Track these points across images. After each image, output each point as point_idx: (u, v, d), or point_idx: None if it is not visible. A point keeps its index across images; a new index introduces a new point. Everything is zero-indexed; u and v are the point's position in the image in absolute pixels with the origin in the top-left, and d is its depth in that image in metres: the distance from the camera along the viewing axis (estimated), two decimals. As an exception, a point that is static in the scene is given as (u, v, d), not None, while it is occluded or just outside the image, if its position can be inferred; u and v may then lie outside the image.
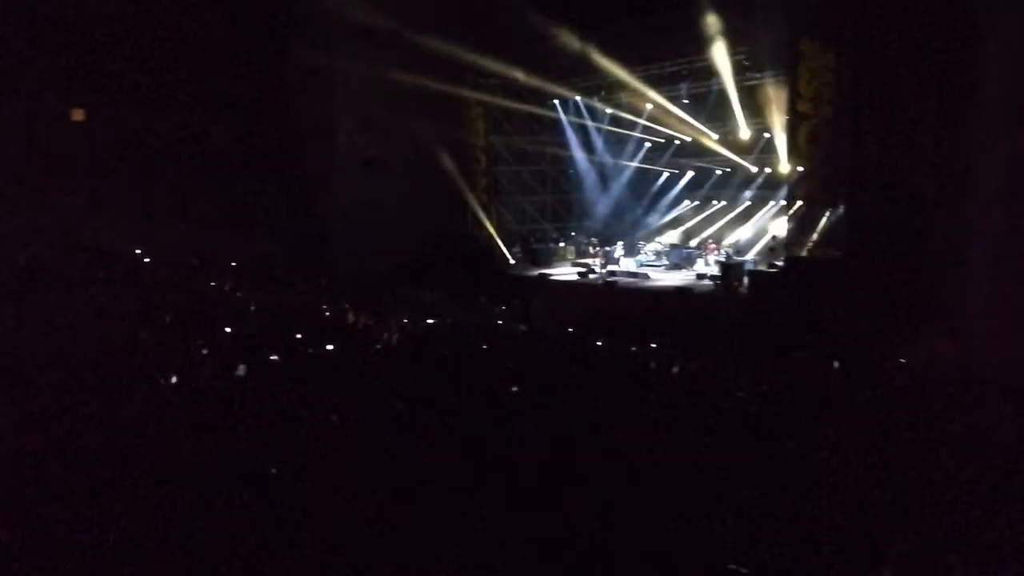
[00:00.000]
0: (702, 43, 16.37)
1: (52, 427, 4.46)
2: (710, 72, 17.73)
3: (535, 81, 19.52)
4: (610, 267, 19.12)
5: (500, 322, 13.88)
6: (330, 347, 8.22)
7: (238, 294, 11.79)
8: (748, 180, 20.82)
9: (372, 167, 18.57)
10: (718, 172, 21.66)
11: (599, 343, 11.67)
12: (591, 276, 18.79)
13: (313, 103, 18.27)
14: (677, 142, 21.80)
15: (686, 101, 19.91)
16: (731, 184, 21.45)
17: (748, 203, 20.95)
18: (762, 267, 17.11)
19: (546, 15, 17.33)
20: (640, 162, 22.77)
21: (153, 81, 16.12)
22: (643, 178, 22.99)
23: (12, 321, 7.09)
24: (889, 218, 13.01)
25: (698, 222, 22.18)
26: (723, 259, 18.49)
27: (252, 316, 10.04)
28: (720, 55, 16.63)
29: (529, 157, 22.65)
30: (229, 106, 17.17)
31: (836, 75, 14.53)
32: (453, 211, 20.15)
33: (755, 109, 18.49)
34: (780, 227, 18.15)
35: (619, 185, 22.90)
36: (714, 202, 22.05)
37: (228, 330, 8.40)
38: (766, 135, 19.08)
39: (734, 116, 18.79)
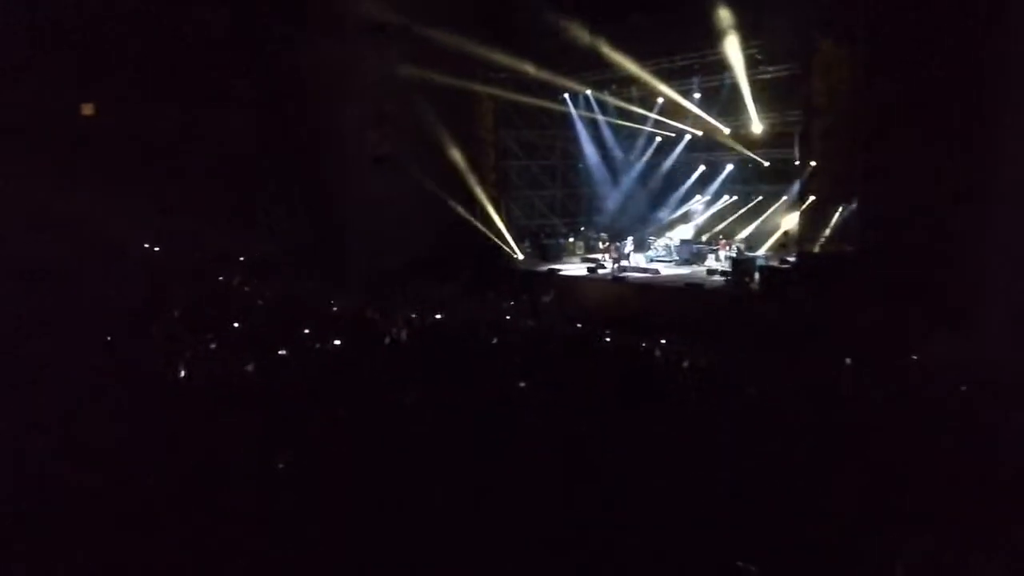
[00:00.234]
0: (714, 37, 16.21)
1: (60, 420, 4.47)
2: (722, 66, 17.56)
3: (546, 75, 19.39)
4: (621, 263, 19.03)
5: (509, 317, 13.85)
6: (338, 342, 8.22)
7: (247, 289, 11.82)
8: (760, 175, 20.64)
9: (383, 163, 18.55)
10: (729, 166, 21.46)
11: (608, 339, 11.62)
12: (600, 272, 18.70)
13: (325, 99, 18.25)
14: (688, 136, 21.64)
15: (698, 95, 19.74)
16: (743, 179, 21.25)
17: (760, 198, 20.75)
18: (773, 263, 16.97)
19: (558, 9, 17.23)
20: (651, 156, 22.61)
21: (167, 78, 16.17)
22: (653, 173, 22.82)
23: (24, 314, 7.13)
24: (903, 214, 12.85)
25: (709, 217, 22.00)
26: (734, 255, 18.35)
27: (261, 311, 10.07)
28: (732, 49, 16.47)
29: (539, 151, 22.52)
30: (242, 102, 17.20)
31: (850, 69, 14.36)
32: (463, 206, 20.09)
33: (767, 103, 18.34)
34: (792, 222, 17.99)
35: (629, 180, 22.75)
36: (725, 197, 21.86)
37: (236, 325, 8.43)
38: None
39: (747, 110, 18.63)
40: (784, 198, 19.59)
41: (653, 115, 21.07)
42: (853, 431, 5.97)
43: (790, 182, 18.40)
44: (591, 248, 21.55)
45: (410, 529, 3.70)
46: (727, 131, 20.14)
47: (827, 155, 15.28)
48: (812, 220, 15.95)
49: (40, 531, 3.39)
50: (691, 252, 19.59)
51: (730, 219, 21.21)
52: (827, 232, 15.46)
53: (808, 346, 10.91)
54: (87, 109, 15.82)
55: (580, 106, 21.52)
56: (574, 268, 19.52)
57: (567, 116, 21.70)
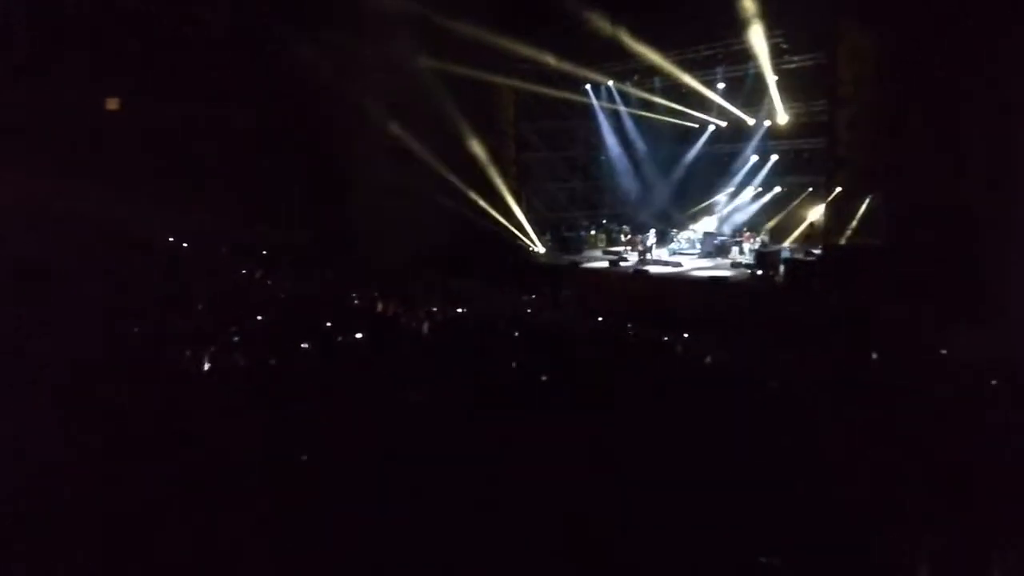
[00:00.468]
0: (738, 26, 15.99)
1: (80, 414, 4.54)
2: (746, 56, 17.34)
3: (567, 66, 19.26)
4: (644, 255, 18.91)
5: (529, 311, 13.83)
6: (359, 335, 8.27)
7: (268, 282, 11.93)
8: (785, 166, 20.37)
9: (401, 154, 18.57)
10: (754, 157, 21.20)
11: (630, 332, 11.56)
12: (622, 264, 18.61)
13: (342, 90, 18.29)
14: (712, 127, 21.41)
15: (722, 85, 19.52)
16: (767, 171, 20.98)
17: (785, 190, 20.50)
18: (798, 255, 16.77)
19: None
20: (674, 147, 22.41)
21: (183, 73, 16.31)
22: (675, 165, 22.62)
23: (46, 309, 7.25)
24: (932, 205, 12.62)
25: (732, 209, 21.77)
26: (758, 247, 18.15)
27: (282, 304, 10.15)
28: (757, 38, 16.25)
29: (560, 143, 22.41)
30: (257, 95, 17.30)
31: (877, 57, 14.09)
32: (483, 198, 20.07)
33: (792, 93, 18.09)
34: (817, 214, 17.75)
35: (652, 172, 22.56)
36: (749, 189, 21.61)
37: (259, 318, 8.51)
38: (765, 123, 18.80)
39: (771, 100, 18.38)
40: (810, 189, 19.36)
41: (676, 106, 20.88)
42: (877, 426, 5.89)
43: (816, 173, 18.16)
44: (613, 241, 21.45)
45: (427, 524, 3.71)
46: (752, 122, 19.91)
47: (853, 146, 15.03)
48: (838, 212, 15.71)
49: (41, 531, 3.43)
50: (714, 245, 19.42)
51: (754, 210, 20.99)
52: (853, 224, 15.23)
53: (833, 340, 10.77)
54: (112, 104, 16.02)
55: (602, 97, 21.37)
56: (595, 261, 19.44)
57: (589, 107, 21.56)
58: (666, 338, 11.28)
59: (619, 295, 16.30)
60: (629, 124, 21.96)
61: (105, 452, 4.12)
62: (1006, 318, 10.40)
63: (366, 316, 10.31)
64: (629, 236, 20.45)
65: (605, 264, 18.87)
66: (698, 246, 19.84)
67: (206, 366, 6.71)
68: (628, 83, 20.85)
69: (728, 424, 5.88)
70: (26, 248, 9.75)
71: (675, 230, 21.02)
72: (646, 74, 19.99)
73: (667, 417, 5.97)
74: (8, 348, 5.84)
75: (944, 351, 9.93)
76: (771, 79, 17.64)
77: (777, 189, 20.48)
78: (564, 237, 21.28)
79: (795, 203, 19.94)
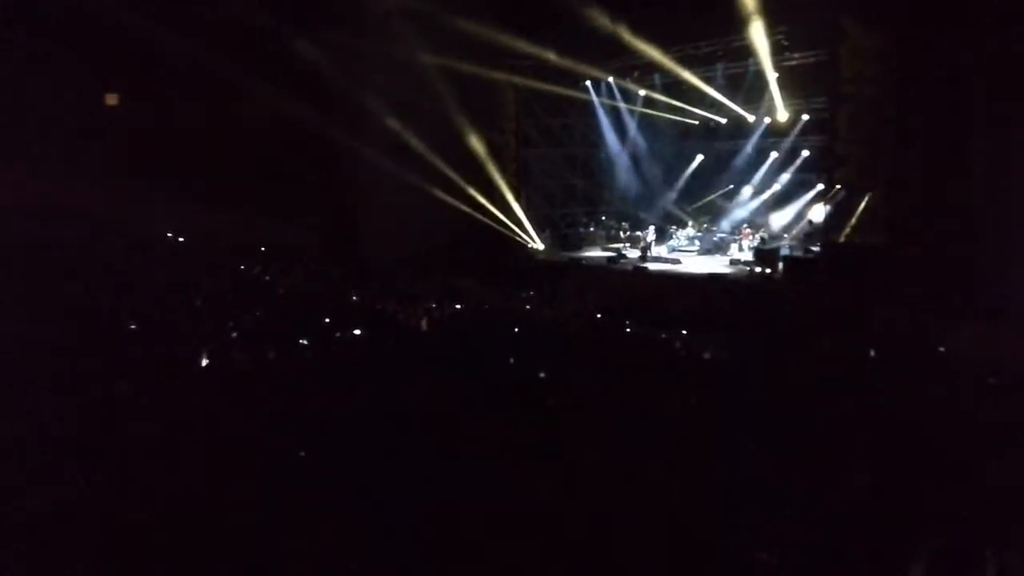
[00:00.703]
0: (739, 22, 15.94)
1: (77, 409, 4.54)
2: (747, 52, 17.29)
3: (567, 62, 19.21)
4: (643, 252, 18.89)
5: (528, 307, 13.82)
6: (357, 332, 8.26)
7: (268, 279, 11.92)
8: (784, 163, 20.33)
9: (403, 151, 18.53)
10: (752, 154, 21.15)
11: (628, 329, 11.55)
12: (622, 261, 18.60)
13: (343, 87, 18.25)
14: (712, 124, 21.36)
15: (722, 82, 19.46)
16: (766, 167, 20.93)
17: (784, 187, 20.46)
18: (798, 253, 16.75)
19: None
20: (674, 144, 22.37)
21: (184, 70, 16.26)
22: (676, 161, 22.58)
23: (49, 303, 7.25)
24: (930, 204, 12.61)
25: (731, 206, 21.73)
26: (757, 244, 18.14)
27: (282, 300, 10.14)
28: (757, 35, 16.19)
29: (560, 140, 22.37)
30: (259, 92, 17.25)
31: (880, 55, 14.05)
32: (483, 195, 20.03)
33: (793, 90, 18.04)
34: (817, 212, 17.73)
35: (651, 169, 22.52)
36: (748, 186, 21.58)
37: (258, 314, 8.50)
38: (804, 116, 18.59)
39: (772, 97, 18.33)
40: (809, 187, 19.30)
41: (676, 102, 20.82)
42: (875, 424, 5.90)
43: (817, 171, 18.13)
44: (612, 238, 21.42)
45: (428, 519, 3.71)
46: (752, 118, 19.86)
47: (853, 143, 15.00)
48: (838, 209, 15.69)
49: (41, 530, 3.43)
50: (713, 242, 19.40)
51: (753, 208, 20.95)
52: (853, 221, 15.21)
53: (831, 338, 10.77)
54: (111, 99, 15.99)
55: (602, 94, 21.31)
56: (595, 257, 19.42)
57: (589, 104, 21.51)
58: (664, 335, 11.28)
59: (618, 292, 16.28)
60: (629, 121, 21.91)
61: (105, 450, 4.11)
62: (1005, 317, 10.40)
63: (365, 313, 10.30)
64: (629, 233, 20.42)
65: (604, 261, 18.85)
66: (697, 243, 19.83)
67: (204, 362, 6.70)
68: (628, 79, 20.79)
69: (727, 421, 5.88)
70: (26, 245, 9.74)
71: (674, 227, 21.02)
72: (646, 70, 19.93)
73: (664, 414, 5.98)
74: (8, 347, 5.83)
75: (942, 349, 9.93)
76: (771, 76, 17.59)
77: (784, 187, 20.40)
78: (564, 234, 21.27)
79: (795, 200, 19.84)
